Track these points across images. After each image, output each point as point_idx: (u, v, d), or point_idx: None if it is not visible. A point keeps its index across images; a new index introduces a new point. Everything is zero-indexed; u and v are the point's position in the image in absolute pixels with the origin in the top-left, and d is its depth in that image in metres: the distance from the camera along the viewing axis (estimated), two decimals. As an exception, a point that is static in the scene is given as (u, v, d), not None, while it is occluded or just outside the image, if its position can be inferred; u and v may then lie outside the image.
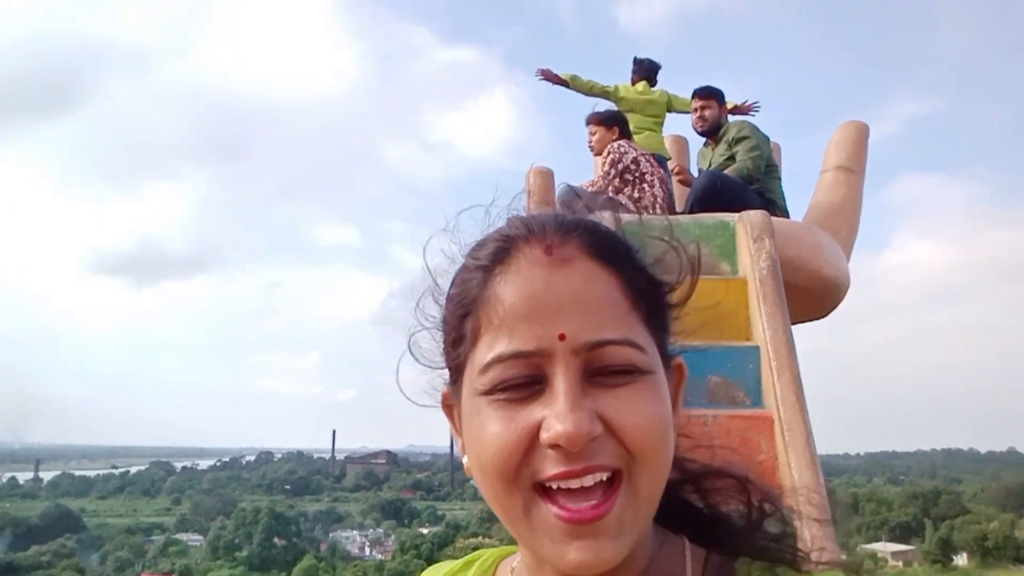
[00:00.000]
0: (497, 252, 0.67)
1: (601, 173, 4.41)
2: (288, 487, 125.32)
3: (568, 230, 0.67)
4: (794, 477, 2.80)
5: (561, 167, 5.00)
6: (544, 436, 0.61)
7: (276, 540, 74.15)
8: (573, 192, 3.42)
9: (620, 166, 4.36)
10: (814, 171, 5.06)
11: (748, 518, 0.72)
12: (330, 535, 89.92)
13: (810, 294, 4.10)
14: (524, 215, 0.71)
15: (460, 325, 0.68)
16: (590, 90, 5.50)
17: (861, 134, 5.02)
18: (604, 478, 0.61)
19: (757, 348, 3.24)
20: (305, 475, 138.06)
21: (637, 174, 4.36)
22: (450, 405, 0.74)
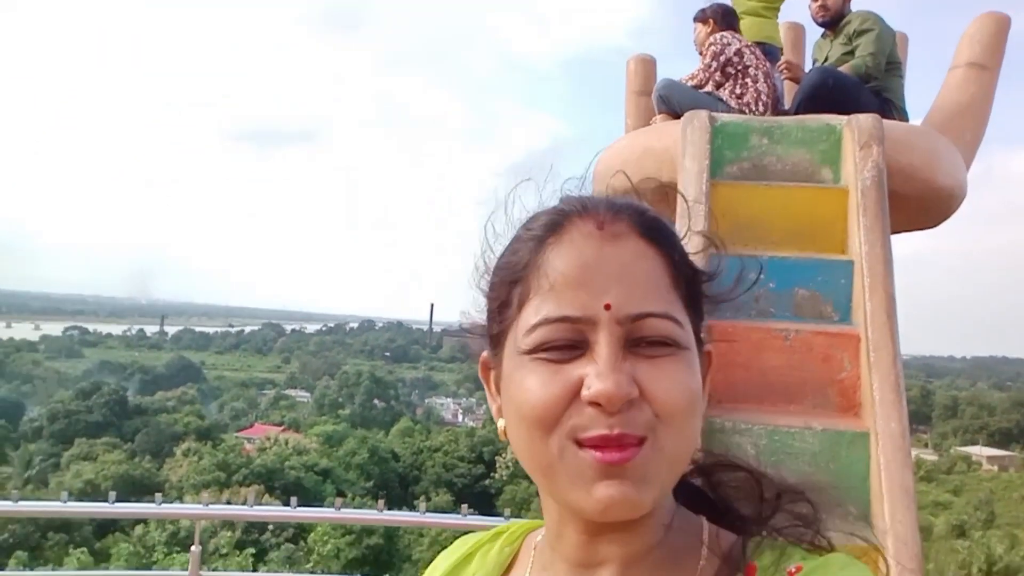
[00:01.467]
0: (551, 224, 0.71)
1: (702, 66, 4.16)
2: (388, 354, 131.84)
3: (619, 209, 0.70)
4: (875, 398, 2.73)
5: (683, 47, 4.71)
6: (585, 393, 0.64)
7: (376, 402, 78.84)
8: (672, 85, 3.31)
9: (722, 58, 4.10)
10: (945, 62, 4.64)
11: (759, 513, 0.73)
12: (425, 401, 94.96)
13: (920, 204, 3.85)
14: (578, 194, 0.75)
15: (509, 291, 0.71)
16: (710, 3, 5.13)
17: (1001, 27, 4.53)
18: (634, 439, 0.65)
19: (851, 263, 3.10)
20: (404, 344, 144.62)
21: (740, 67, 4.09)
22: (488, 369, 0.77)
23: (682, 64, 4.84)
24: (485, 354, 0.78)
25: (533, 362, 0.67)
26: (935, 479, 50.92)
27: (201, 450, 43.33)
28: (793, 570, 0.67)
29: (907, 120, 4.30)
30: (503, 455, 53.87)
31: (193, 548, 3.56)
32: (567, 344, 0.66)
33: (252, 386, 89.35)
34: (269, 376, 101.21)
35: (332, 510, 4.26)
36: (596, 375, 0.64)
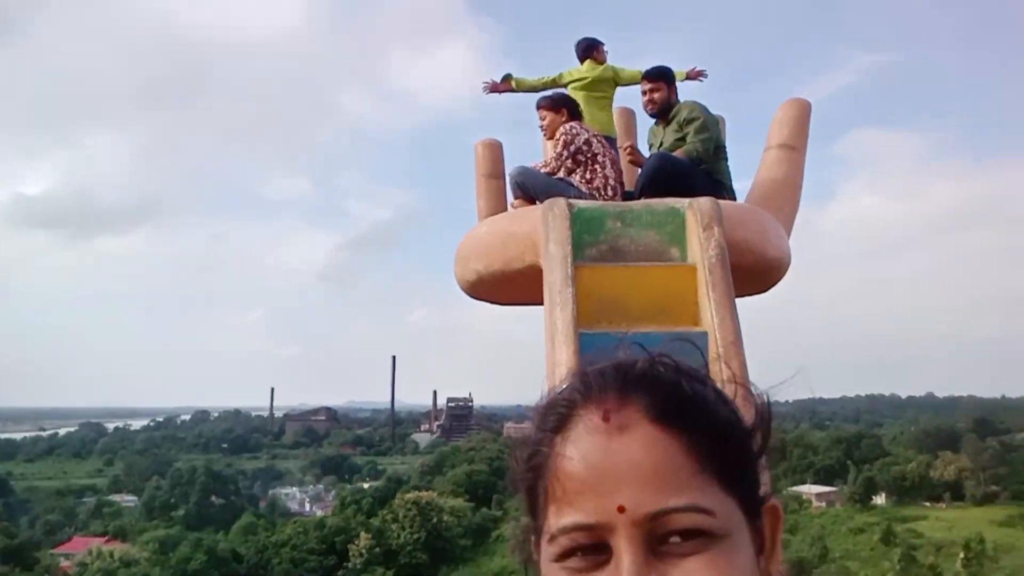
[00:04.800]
0: (559, 419, 0.68)
1: (554, 155, 4.41)
2: (225, 446, 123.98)
3: (628, 392, 0.67)
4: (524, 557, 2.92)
5: (528, 124, 5.08)
6: None
7: (214, 498, 73.57)
8: (527, 172, 3.46)
9: (572, 147, 4.36)
10: (764, 117, 5.17)
11: None
12: (269, 492, 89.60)
13: (754, 274, 4.22)
14: (590, 371, 0.70)
15: (534, 490, 0.69)
16: (535, 87, 5.60)
17: (803, 113, 5.13)
18: None
19: (705, 334, 3.33)
20: (243, 433, 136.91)
21: (589, 155, 4.38)
22: (536, 560, 0.73)
23: (526, 140, 5.14)
24: (532, 542, 0.73)
25: (561, 571, 0.65)
26: (773, 520, 53.91)
27: (11, 575, 38.36)
28: None
29: (735, 197, 4.74)
30: (356, 543, 51.62)
31: None
32: (590, 549, 0.64)
33: (69, 495, 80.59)
34: (89, 482, 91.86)
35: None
36: None
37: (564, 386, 0.72)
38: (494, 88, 5.68)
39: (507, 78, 5.70)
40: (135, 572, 42.05)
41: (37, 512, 70.13)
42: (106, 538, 54.16)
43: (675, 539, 0.62)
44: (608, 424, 0.65)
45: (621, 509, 0.62)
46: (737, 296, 4.74)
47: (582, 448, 0.65)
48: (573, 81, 5.52)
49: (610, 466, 0.63)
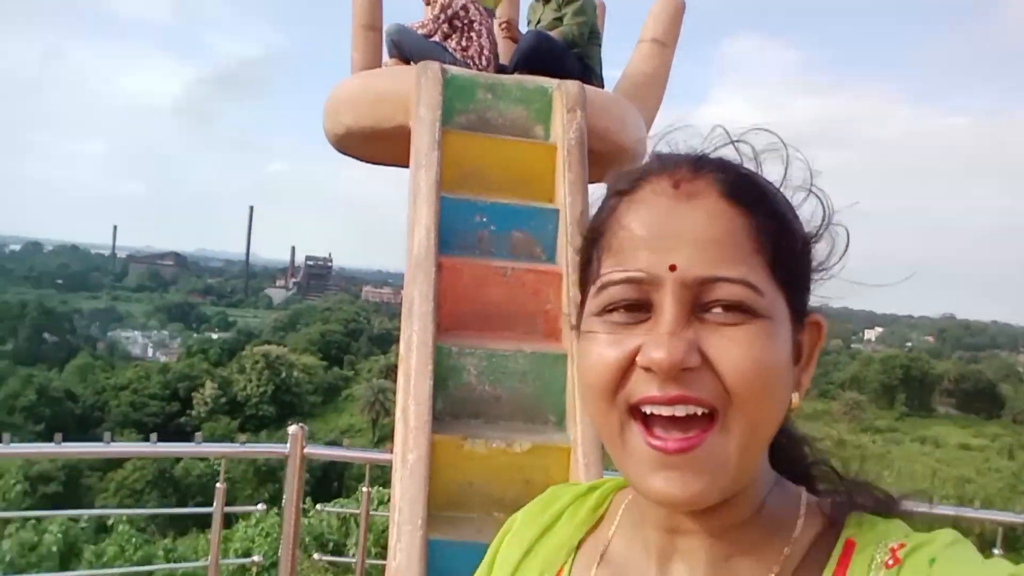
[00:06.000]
0: (630, 182, 0.68)
1: (431, 16, 4.40)
2: (60, 281, 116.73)
3: (702, 167, 0.67)
4: (572, 323, 3.26)
5: None
6: (639, 359, 0.62)
7: (46, 336, 69.91)
8: (404, 31, 3.56)
9: (449, 12, 4.37)
10: (645, 8, 5.33)
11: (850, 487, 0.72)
12: (108, 334, 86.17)
13: (611, 161, 4.50)
14: (668, 152, 0.71)
15: (590, 249, 0.70)
16: None
17: (678, 10, 5.32)
18: (699, 413, 0.62)
19: (557, 211, 3.59)
20: (80, 270, 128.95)
21: (466, 21, 4.40)
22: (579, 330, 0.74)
23: None
24: (575, 315, 0.74)
25: (600, 326, 0.65)
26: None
27: None
28: (896, 547, 0.63)
29: (603, 85, 4.94)
30: (200, 391, 51.08)
31: None
32: (633, 306, 0.64)
33: None
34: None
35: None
36: (652, 341, 0.61)
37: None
38: None
39: None
40: (-45, 405, 39.94)
41: None
42: (-80, 368, 50.77)
43: (717, 310, 0.62)
44: (677, 191, 0.65)
45: (673, 268, 0.62)
46: (591, 180, 5.06)
47: (648, 207, 0.66)
48: None
49: (671, 227, 0.64)
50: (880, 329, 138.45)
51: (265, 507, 5.01)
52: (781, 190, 0.70)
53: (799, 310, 0.67)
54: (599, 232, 0.68)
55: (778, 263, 0.64)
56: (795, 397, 0.67)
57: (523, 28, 5.30)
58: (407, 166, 3.69)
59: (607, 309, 0.65)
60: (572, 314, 0.74)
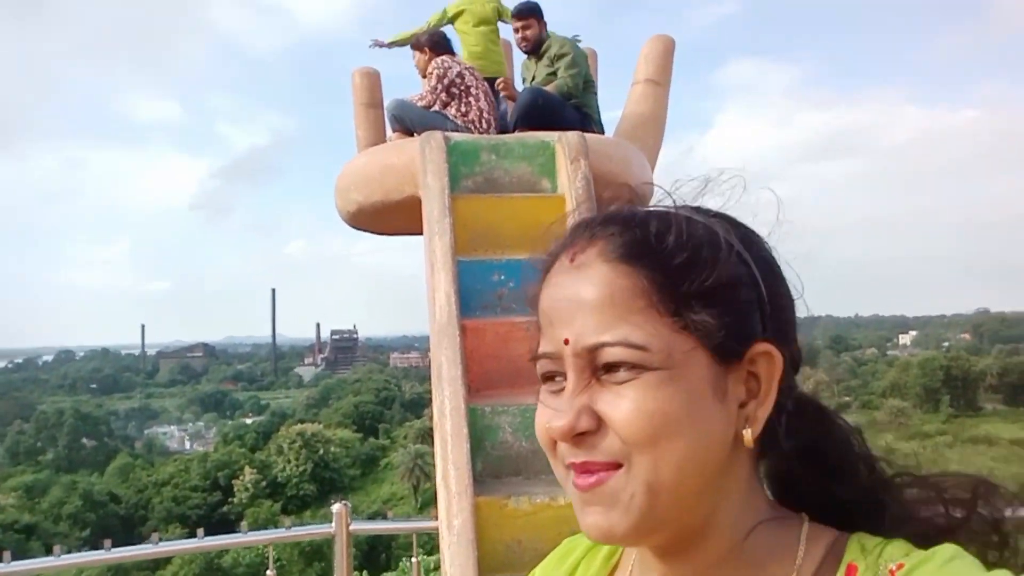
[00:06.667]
0: (545, 265, 0.74)
1: (428, 88, 4.53)
2: (94, 386, 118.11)
3: (595, 235, 0.71)
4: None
5: (409, 51, 5.09)
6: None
7: (84, 441, 70.45)
8: (404, 105, 3.65)
9: (446, 80, 4.50)
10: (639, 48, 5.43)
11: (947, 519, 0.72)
12: (145, 432, 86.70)
13: (619, 203, 4.56)
14: (582, 220, 0.76)
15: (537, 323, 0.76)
16: (424, 33, 5.52)
17: (668, 48, 5.43)
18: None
19: (572, 259, 3.62)
20: (113, 372, 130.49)
21: (463, 87, 4.53)
22: None
23: (408, 65, 5.20)
24: None
25: (542, 394, 0.72)
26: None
27: None
28: (894, 568, 0.65)
29: (603, 131, 5.02)
30: (240, 478, 51.06)
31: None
32: (559, 375, 0.70)
33: (-81, 445, 75.11)
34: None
35: (49, 559, 2.95)
36: (554, 412, 0.68)
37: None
38: (380, 44, 5.73)
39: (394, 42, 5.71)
40: (2, 519, 40.10)
41: None
42: (-34, 487, 51.21)
43: (610, 372, 0.66)
44: (572, 264, 0.70)
45: (566, 341, 0.68)
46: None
47: (552, 285, 0.72)
48: (457, 15, 5.59)
49: (565, 301, 0.69)
50: (914, 332, 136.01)
51: (317, 589, 4.96)
52: (721, 227, 0.70)
53: (732, 347, 0.68)
54: (534, 309, 0.75)
55: (685, 310, 0.66)
56: (747, 434, 0.69)
57: (518, 85, 5.44)
58: (420, 234, 3.76)
59: (544, 379, 0.72)
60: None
